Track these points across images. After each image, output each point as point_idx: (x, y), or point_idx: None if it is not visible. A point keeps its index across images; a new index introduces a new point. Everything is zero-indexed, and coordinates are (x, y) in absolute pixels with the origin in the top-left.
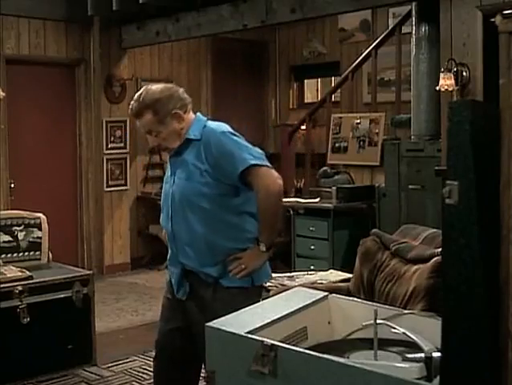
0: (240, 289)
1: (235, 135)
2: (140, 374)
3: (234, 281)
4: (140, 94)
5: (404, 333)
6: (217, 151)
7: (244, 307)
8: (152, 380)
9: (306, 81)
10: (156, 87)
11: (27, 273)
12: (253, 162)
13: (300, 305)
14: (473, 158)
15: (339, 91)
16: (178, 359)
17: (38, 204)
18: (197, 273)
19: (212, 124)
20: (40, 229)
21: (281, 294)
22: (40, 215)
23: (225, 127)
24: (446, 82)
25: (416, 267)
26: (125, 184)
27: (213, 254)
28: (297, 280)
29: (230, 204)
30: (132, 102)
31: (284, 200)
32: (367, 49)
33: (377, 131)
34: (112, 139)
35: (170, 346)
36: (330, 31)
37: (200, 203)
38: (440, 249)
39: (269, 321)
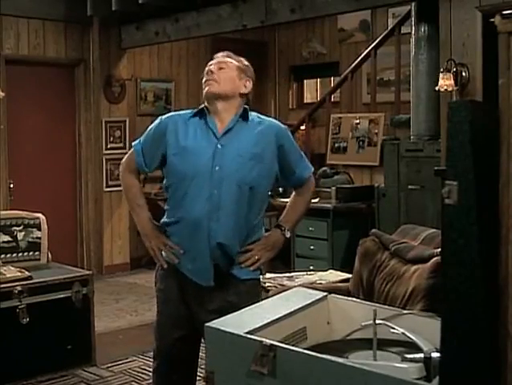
0: (255, 280)
1: None
2: (140, 374)
3: (249, 273)
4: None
5: (403, 333)
6: (289, 148)
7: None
8: (150, 380)
9: (305, 81)
10: None
11: (26, 273)
12: (312, 170)
13: (299, 306)
14: (472, 158)
15: (338, 91)
16: (181, 367)
17: (37, 204)
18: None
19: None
20: (39, 229)
21: (280, 294)
22: (39, 215)
23: None
24: (446, 82)
25: (415, 267)
26: None
27: (244, 241)
28: (296, 280)
29: (267, 199)
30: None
31: (283, 200)
32: (366, 49)
33: (377, 131)
34: (112, 139)
35: (175, 355)
36: (329, 31)
37: (257, 187)
38: (439, 250)
39: (268, 321)
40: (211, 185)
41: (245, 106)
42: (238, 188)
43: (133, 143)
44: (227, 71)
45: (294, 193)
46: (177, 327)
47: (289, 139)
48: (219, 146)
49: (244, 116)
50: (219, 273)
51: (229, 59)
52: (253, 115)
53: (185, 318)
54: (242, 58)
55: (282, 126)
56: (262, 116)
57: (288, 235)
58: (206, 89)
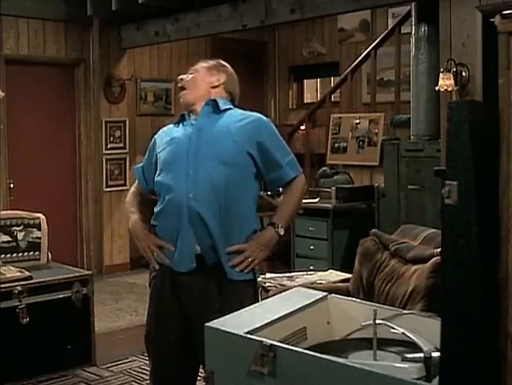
0: (249, 282)
1: None
2: (140, 374)
3: (242, 275)
4: None
5: (403, 333)
6: (271, 141)
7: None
8: None
9: (305, 81)
10: None
11: (26, 273)
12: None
13: (299, 306)
14: (472, 158)
15: (338, 91)
16: (178, 368)
17: (37, 204)
18: (207, 265)
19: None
20: (39, 229)
21: (280, 294)
22: (39, 215)
23: None
24: (445, 82)
25: (415, 267)
26: (124, 184)
27: (228, 229)
28: (296, 280)
29: (252, 192)
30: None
31: None
32: (366, 49)
33: (376, 131)
34: (112, 139)
35: (171, 357)
36: (329, 31)
37: (233, 167)
38: (439, 249)
39: (268, 321)
40: (188, 166)
41: (216, 98)
42: (212, 164)
43: (134, 168)
44: (195, 75)
45: (283, 194)
46: (171, 329)
47: (270, 133)
48: (195, 130)
49: (213, 104)
50: (207, 267)
51: (199, 64)
52: (235, 110)
53: (178, 319)
54: (216, 60)
55: (264, 119)
56: (245, 112)
57: (282, 232)
58: (181, 100)
